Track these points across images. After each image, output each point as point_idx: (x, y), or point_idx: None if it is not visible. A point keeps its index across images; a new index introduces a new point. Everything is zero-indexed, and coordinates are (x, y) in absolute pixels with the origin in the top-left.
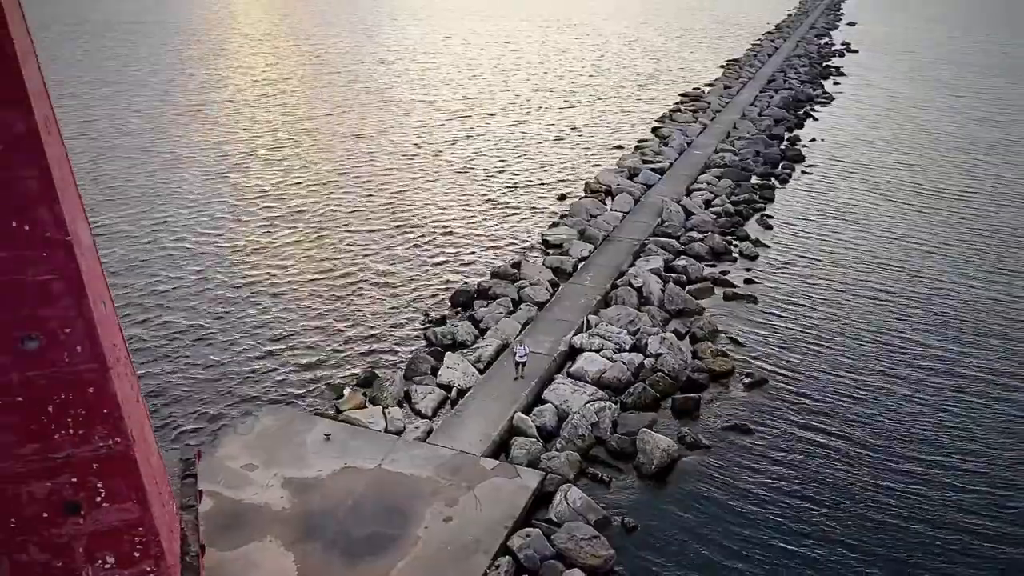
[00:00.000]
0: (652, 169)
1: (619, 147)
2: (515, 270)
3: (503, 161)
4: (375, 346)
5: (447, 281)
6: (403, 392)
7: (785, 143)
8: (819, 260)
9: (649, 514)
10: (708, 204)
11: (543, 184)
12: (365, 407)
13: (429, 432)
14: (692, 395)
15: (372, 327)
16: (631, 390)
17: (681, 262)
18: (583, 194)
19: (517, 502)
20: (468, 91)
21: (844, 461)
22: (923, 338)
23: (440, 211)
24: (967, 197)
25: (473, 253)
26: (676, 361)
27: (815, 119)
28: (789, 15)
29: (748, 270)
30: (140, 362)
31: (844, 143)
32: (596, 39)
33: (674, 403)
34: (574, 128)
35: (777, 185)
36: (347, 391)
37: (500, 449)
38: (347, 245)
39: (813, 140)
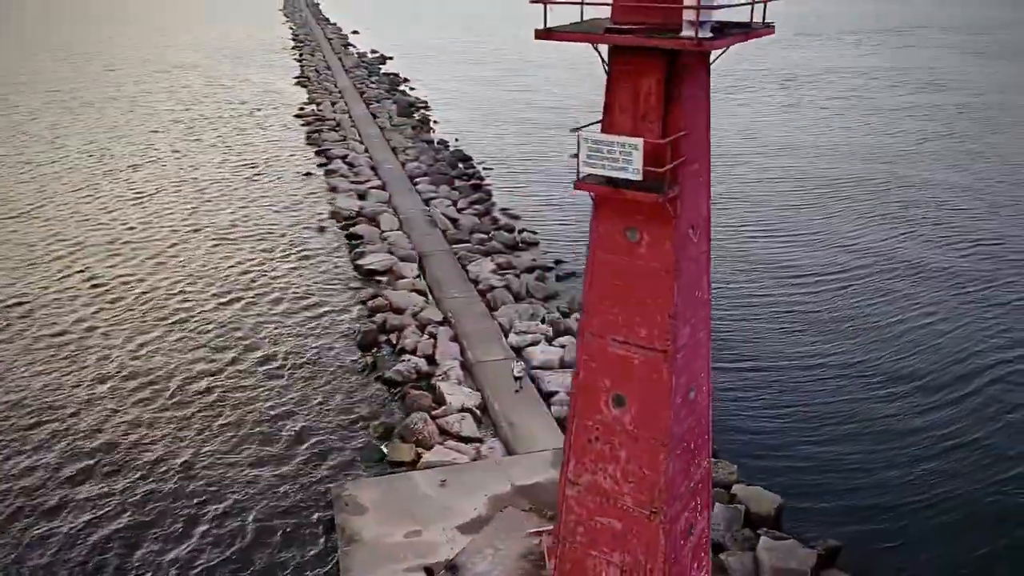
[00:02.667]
0: (372, 188)
1: (308, 174)
2: (386, 301)
3: (232, 213)
4: (339, 419)
5: (326, 333)
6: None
7: (440, 146)
8: (582, 235)
9: (718, 439)
10: (458, 208)
11: (293, 224)
12: (418, 452)
13: (506, 447)
14: None
15: (322, 409)
16: None
17: (501, 259)
18: (336, 223)
19: None
20: (89, 153)
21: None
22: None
23: (258, 269)
24: None
25: (315, 306)
26: None
27: (436, 122)
28: (294, 32)
29: (546, 254)
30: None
31: (483, 142)
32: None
33: None
34: (254, 166)
35: (481, 183)
36: (385, 447)
37: None
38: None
39: (457, 140)
